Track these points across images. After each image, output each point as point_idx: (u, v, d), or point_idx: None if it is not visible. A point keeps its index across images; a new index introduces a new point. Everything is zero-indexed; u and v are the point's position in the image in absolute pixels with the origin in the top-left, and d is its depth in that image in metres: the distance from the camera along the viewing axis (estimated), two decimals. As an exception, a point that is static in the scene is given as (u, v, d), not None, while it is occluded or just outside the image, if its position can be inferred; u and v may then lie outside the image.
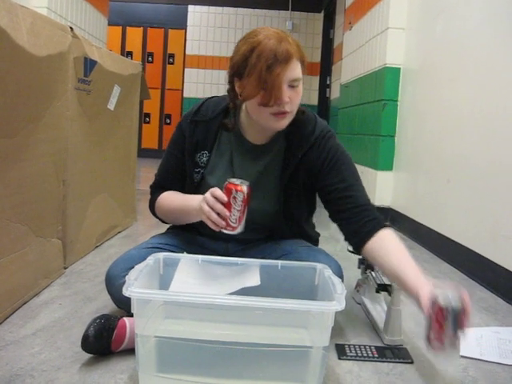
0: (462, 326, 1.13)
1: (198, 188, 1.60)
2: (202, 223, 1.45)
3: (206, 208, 1.37)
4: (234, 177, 1.48)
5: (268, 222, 1.63)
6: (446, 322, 1.13)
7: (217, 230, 1.39)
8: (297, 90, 1.43)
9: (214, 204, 1.35)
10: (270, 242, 1.68)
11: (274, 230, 1.67)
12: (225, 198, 1.34)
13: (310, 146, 1.57)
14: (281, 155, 1.60)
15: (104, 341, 1.36)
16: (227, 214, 1.35)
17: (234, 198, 1.34)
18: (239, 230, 1.38)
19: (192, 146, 1.62)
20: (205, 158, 1.61)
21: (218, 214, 1.36)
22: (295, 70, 1.39)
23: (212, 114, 1.62)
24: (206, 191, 1.42)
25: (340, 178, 1.54)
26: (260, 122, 1.51)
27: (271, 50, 1.34)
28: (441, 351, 1.17)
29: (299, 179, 1.59)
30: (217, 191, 1.36)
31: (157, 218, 1.75)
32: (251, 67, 1.37)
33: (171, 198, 1.64)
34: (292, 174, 1.58)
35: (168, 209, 1.65)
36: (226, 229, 1.38)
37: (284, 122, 1.47)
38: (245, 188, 1.35)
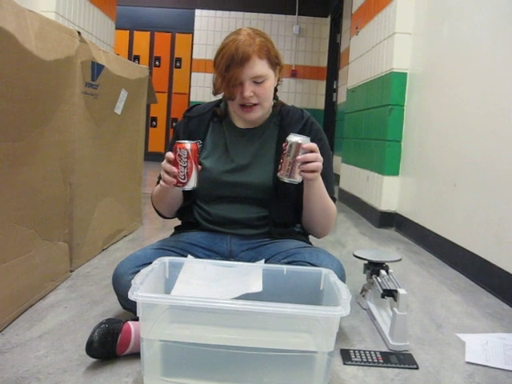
0: (297, 156, 1.43)
1: None
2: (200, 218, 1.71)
3: (161, 171, 1.51)
4: (230, 158, 1.71)
5: (265, 196, 1.68)
6: (285, 152, 1.45)
7: (170, 187, 1.52)
8: (262, 85, 1.60)
9: (164, 164, 1.49)
10: (273, 243, 1.70)
11: (270, 206, 1.69)
12: (172, 156, 1.48)
13: (302, 126, 1.74)
14: (274, 135, 1.74)
15: (109, 345, 1.37)
16: (175, 170, 1.47)
17: (179, 155, 1.47)
18: (190, 185, 1.49)
19: (186, 137, 1.72)
20: (198, 146, 1.68)
21: (169, 173, 1.48)
22: (254, 68, 1.56)
23: (204, 110, 1.81)
24: (203, 176, 1.60)
25: None
26: (234, 113, 1.72)
27: (230, 53, 1.54)
28: (281, 175, 1.47)
29: None
30: (167, 153, 1.50)
31: (155, 210, 1.82)
32: (217, 66, 1.59)
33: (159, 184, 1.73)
34: None
35: (157, 193, 1.74)
36: (177, 185, 1.50)
37: (253, 114, 1.65)
38: (187, 145, 1.47)
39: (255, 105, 1.62)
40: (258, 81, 1.58)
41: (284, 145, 1.46)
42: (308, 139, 1.46)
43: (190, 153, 1.47)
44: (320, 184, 1.59)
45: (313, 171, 1.47)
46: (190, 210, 1.77)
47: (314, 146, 1.46)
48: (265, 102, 1.64)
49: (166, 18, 8.60)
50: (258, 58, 1.56)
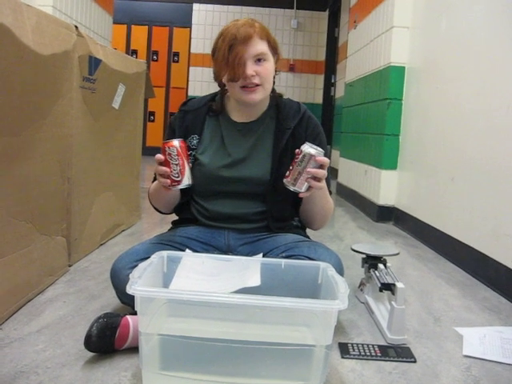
0: (307, 168, 1.42)
1: (193, 169, 1.63)
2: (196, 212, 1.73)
3: (157, 175, 1.52)
4: (227, 152, 1.69)
5: (263, 191, 1.69)
6: (297, 161, 1.43)
7: (168, 189, 1.52)
8: (264, 65, 1.61)
9: (157, 168, 1.50)
10: (271, 237, 1.70)
11: (267, 201, 1.69)
12: (162, 158, 1.48)
13: (299, 120, 1.73)
14: (271, 129, 1.74)
15: (107, 339, 1.37)
16: (168, 170, 1.47)
17: (169, 154, 1.46)
18: (184, 182, 1.50)
19: (182, 132, 1.73)
20: (195, 141, 1.73)
21: (163, 175, 1.49)
22: (256, 46, 1.58)
23: (199, 104, 1.79)
24: (199, 171, 1.65)
25: None
26: (235, 98, 1.69)
27: (232, 34, 1.56)
28: (287, 182, 1.46)
29: (288, 151, 1.68)
30: (157, 155, 1.49)
31: (153, 207, 1.81)
32: (218, 49, 1.60)
33: (155, 182, 1.73)
34: (283, 145, 1.70)
35: (154, 191, 1.74)
36: (172, 185, 1.49)
37: (255, 96, 1.63)
38: (176, 142, 1.47)
39: (257, 85, 1.61)
40: (260, 58, 1.59)
41: (297, 152, 1.45)
42: (322, 152, 1.44)
43: (179, 150, 1.47)
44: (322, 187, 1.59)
45: (317, 184, 1.47)
46: (188, 206, 1.76)
47: (327, 161, 1.45)
48: (266, 84, 1.64)
49: (163, 12, 8.58)
50: (259, 38, 1.59)
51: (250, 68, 1.57)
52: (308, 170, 1.42)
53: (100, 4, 4.68)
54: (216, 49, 1.61)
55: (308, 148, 1.42)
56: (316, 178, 1.45)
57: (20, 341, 1.48)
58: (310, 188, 1.47)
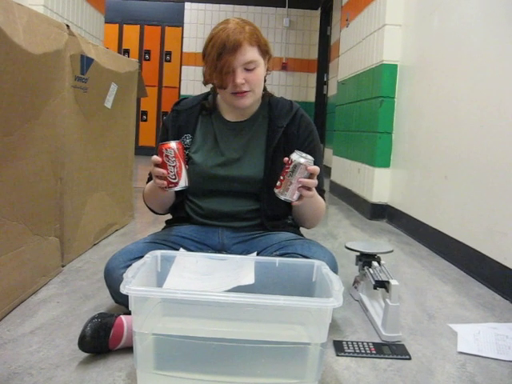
0: (298, 177, 1.42)
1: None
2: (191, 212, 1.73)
3: (153, 177, 1.51)
4: (220, 151, 1.70)
5: (256, 189, 1.69)
6: (288, 171, 1.43)
7: (164, 190, 1.51)
8: (254, 72, 1.60)
9: (153, 169, 1.49)
10: (265, 236, 1.70)
11: (261, 199, 1.69)
12: (159, 159, 1.47)
13: (291, 118, 1.73)
14: (264, 128, 1.74)
15: (101, 340, 1.37)
16: (165, 172, 1.46)
17: (167, 156, 1.45)
18: (181, 184, 1.49)
19: (175, 132, 1.74)
20: (188, 140, 1.73)
21: (160, 176, 1.48)
22: (245, 54, 1.56)
23: (192, 104, 1.79)
24: (193, 170, 1.64)
25: None
26: (226, 102, 1.70)
27: (222, 41, 1.54)
28: (279, 192, 1.46)
29: (281, 149, 1.69)
30: (153, 157, 1.49)
31: (148, 208, 1.81)
32: (207, 55, 1.59)
33: (150, 182, 1.73)
34: (276, 143, 1.70)
35: (149, 192, 1.74)
36: (169, 187, 1.48)
37: (245, 101, 1.64)
38: (173, 144, 1.47)
39: (247, 91, 1.61)
40: (249, 67, 1.58)
41: (287, 161, 1.44)
42: (312, 161, 1.44)
43: (176, 151, 1.46)
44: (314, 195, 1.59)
45: (308, 193, 1.47)
46: (182, 205, 1.76)
47: (318, 170, 1.44)
48: (256, 89, 1.64)
49: (155, 11, 8.56)
50: (249, 45, 1.57)
51: (239, 76, 1.57)
52: (299, 179, 1.43)
53: (91, 3, 4.66)
54: (206, 53, 1.60)
55: (298, 158, 1.42)
56: (306, 187, 1.45)
57: (13, 342, 1.47)
58: (301, 197, 1.47)
